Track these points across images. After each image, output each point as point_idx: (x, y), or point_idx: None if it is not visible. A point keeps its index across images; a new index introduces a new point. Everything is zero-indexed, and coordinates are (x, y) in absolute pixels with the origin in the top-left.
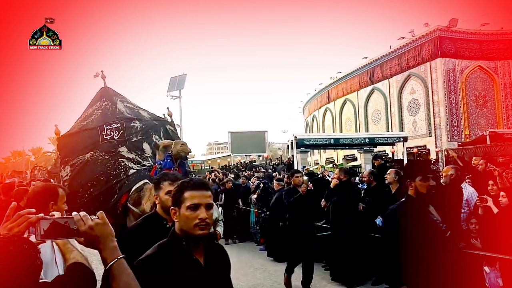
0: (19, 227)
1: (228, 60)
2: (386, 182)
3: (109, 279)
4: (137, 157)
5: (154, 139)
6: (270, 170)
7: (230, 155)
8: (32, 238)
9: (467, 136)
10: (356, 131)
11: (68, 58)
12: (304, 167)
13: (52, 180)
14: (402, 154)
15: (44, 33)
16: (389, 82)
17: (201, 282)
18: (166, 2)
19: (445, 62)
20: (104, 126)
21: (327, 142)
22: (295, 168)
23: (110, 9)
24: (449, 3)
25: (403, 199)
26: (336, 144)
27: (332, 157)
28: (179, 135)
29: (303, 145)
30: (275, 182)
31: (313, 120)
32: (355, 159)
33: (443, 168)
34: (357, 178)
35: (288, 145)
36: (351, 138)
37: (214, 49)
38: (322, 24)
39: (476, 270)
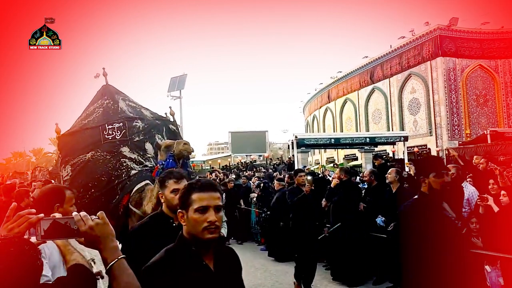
0: (19, 228)
1: (228, 60)
2: (387, 181)
3: (109, 279)
4: (139, 157)
5: (157, 139)
6: (270, 170)
7: (230, 155)
8: (33, 239)
9: (468, 135)
10: (357, 131)
11: (68, 58)
12: (304, 167)
13: (53, 181)
14: (403, 153)
15: (44, 33)
16: (389, 81)
17: None
18: (166, 2)
19: (446, 61)
20: (106, 125)
21: (328, 141)
22: (296, 168)
23: (110, 9)
24: (450, 2)
25: (416, 196)
26: (337, 143)
27: (333, 157)
28: (181, 135)
29: (303, 145)
30: (275, 182)
31: (313, 120)
32: (356, 159)
33: None
34: (358, 177)
35: (288, 145)
36: (351, 137)
37: (214, 49)
38: (322, 24)
39: (477, 269)
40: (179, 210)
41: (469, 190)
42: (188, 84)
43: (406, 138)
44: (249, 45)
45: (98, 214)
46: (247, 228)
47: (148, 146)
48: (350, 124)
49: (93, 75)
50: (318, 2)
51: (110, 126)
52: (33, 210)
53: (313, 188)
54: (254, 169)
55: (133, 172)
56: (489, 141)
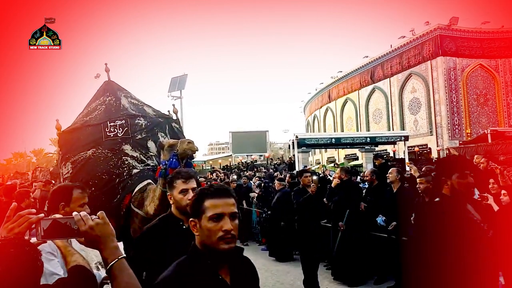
0: (19, 228)
1: (229, 60)
2: (388, 181)
3: (110, 279)
4: (141, 155)
5: (160, 137)
6: (271, 170)
7: (231, 155)
8: (34, 240)
9: (469, 134)
10: (357, 130)
11: (68, 58)
12: (305, 166)
13: (53, 181)
14: (404, 153)
15: (44, 33)
16: (390, 81)
17: None
18: (166, 2)
19: (446, 61)
20: (108, 122)
21: (328, 141)
22: (296, 168)
23: (110, 9)
24: (450, 2)
25: (437, 199)
26: (337, 143)
27: (334, 157)
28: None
29: (304, 144)
30: (276, 182)
31: (314, 120)
32: (357, 159)
33: None
34: (358, 177)
35: (289, 145)
36: (352, 137)
37: (214, 49)
38: (322, 24)
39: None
40: (191, 219)
41: None
42: (188, 84)
43: (406, 138)
44: (249, 45)
45: (98, 214)
46: (248, 228)
47: (151, 144)
48: (351, 123)
49: (93, 75)
50: (318, 2)
51: (112, 123)
52: (33, 210)
53: (319, 185)
54: (255, 169)
55: (134, 171)
56: (489, 141)
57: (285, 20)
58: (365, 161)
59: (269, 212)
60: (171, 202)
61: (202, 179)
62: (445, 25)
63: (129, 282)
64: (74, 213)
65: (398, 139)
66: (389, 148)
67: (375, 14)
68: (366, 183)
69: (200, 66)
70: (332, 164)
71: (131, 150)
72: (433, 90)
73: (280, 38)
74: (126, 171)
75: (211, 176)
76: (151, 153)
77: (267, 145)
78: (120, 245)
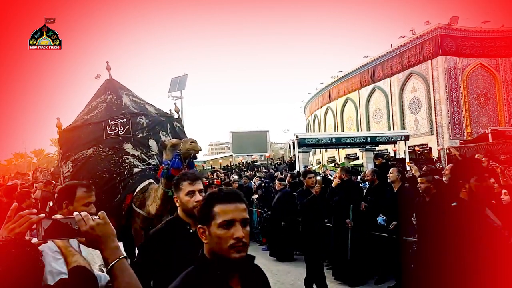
0: (20, 228)
1: (229, 60)
2: (389, 181)
3: (111, 279)
4: (142, 154)
5: (161, 136)
6: (272, 170)
7: (231, 155)
8: (35, 240)
9: (469, 134)
10: (358, 130)
11: (68, 58)
12: (305, 166)
13: (54, 182)
14: (404, 152)
15: (44, 33)
16: (390, 80)
17: None
18: (166, 2)
19: (446, 60)
20: (109, 120)
21: (329, 141)
22: (297, 167)
23: (110, 9)
24: (450, 1)
25: (454, 203)
26: (338, 143)
27: (334, 156)
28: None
29: (304, 144)
30: (277, 181)
31: (314, 120)
32: (357, 158)
33: (446, 166)
34: (359, 177)
35: (289, 145)
36: (352, 137)
37: (214, 49)
38: (322, 24)
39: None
40: (199, 226)
41: None
42: (188, 84)
43: (407, 137)
44: (249, 45)
45: (99, 213)
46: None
47: (152, 143)
48: (351, 123)
49: (93, 75)
50: (318, 2)
51: (113, 122)
52: (34, 210)
53: (323, 186)
54: (255, 169)
55: (136, 170)
56: (490, 140)
57: (285, 20)
58: (365, 160)
59: (269, 212)
60: (177, 204)
61: (203, 179)
62: (445, 25)
63: (130, 282)
64: (75, 213)
65: (399, 139)
66: (390, 148)
67: (375, 13)
68: (367, 182)
69: (200, 66)
70: (333, 164)
71: (132, 148)
72: (433, 89)
73: (280, 38)
74: (127, 170)
75: (212, 176)
76: (153, 152)
77: (268, 145)
78: (120, 244)
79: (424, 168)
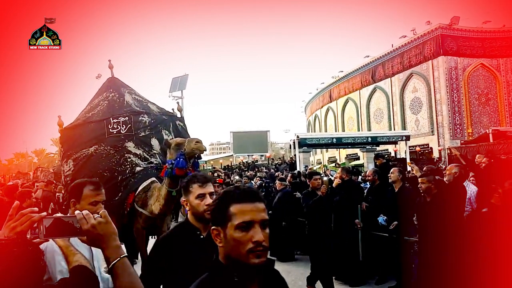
0: (22, 226)
1: (229, 60)
2: (390, 181)
3: (112, 278)
4: (144, 153)
5: (164, 135)
6: (272, 170)
7: (232, 155)
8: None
9: (470, 134)
10: (359, 130)
11: (68, 58)
12: (306, 166)
13: (54, 182)
14: (405, 152)
15: (44, 33)
16: (391, 80)
17: None
18: (166, 2)
19: (447, 60)
20: (111, 119)
21: (330, 141)
22: (297, 168)
23: (110, 9)
24: (451, 1)
25: (485, 209)
26: (339, 143)
27: (335, 156)
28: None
29: (305, 144)
30: (277, 182)
31: (315, 120)
32: (358, 158)
33: (447, 166)
34: (360, 177)
35: (290, 145)
36: (353, 137)
37: (214, 49)
38: (322, 24)
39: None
40: (213, 227)
41: (471, 189)
42: (189, 84)
43: (408, 138)
44: (249, 45)
45: (100, 212)
46: None
47: (154, 142)
48: (352, 123)
49: (93, 75)
50: (318, 2)
51: (115, 120)
52: (36, 209)
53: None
54: (256, 169)
55: (137, 168)
56: (491, 140)
57: (285, 20)
58: (366, 161)
59: (270, 212)
60: (187, 208)
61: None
62: (446, 25)
63: (131, 282)
64: (77, 211)
65: (400, 139)
66: (391, 148)
67: (375, 13)
68: (368, 182)
69: (200, 66)
70: (333, 164)
71: (134, 147)
72: (434, 89)
73: (280, 38)
74: (129, 168)
75: (213, 175)
76: (155, 151)
77: (268, 145)
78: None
79: (425, 168)
